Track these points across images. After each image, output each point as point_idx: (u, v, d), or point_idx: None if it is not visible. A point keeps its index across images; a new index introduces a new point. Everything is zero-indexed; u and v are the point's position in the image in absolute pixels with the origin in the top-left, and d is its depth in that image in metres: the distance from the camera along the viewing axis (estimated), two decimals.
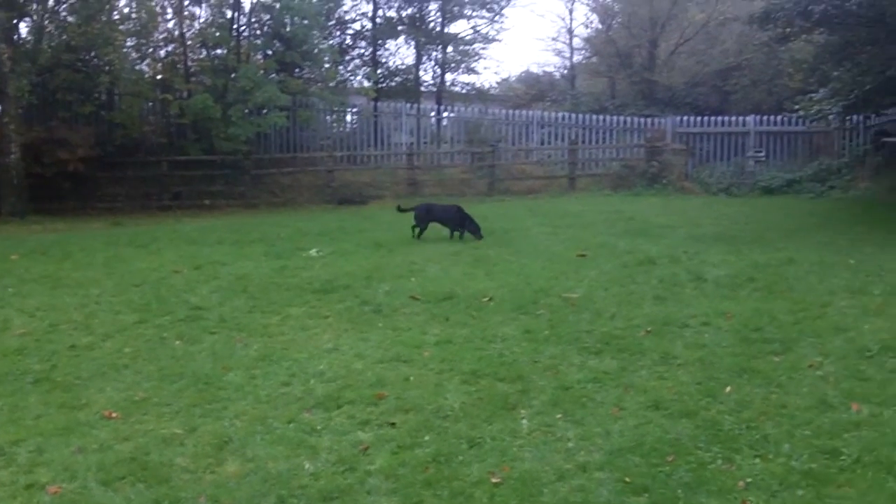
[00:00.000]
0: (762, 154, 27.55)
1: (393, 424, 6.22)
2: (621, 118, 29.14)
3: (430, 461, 5.54)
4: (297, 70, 26.62)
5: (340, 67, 28.99)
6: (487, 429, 6.07)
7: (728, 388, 6.74)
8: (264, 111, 24.50)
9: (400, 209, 16.69)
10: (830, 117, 25.18)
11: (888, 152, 24.42)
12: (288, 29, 24.57)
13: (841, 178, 25.41)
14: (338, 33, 30.35)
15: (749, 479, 5.06)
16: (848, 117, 25.51)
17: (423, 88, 31.19)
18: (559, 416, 6.27)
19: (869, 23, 18.56)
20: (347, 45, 30.55)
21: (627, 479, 5.10)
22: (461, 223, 15.56)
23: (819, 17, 18.13)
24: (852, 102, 21.75)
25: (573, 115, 29.25)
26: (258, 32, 25.98)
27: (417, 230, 15.59)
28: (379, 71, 29.51)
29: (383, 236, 15.71)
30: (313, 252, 13.97)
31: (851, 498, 4.79)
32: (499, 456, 5.59)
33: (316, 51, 25.59)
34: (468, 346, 8.24)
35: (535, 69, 43.93)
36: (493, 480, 5.21)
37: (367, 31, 30.61)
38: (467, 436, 5.95)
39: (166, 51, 26.34)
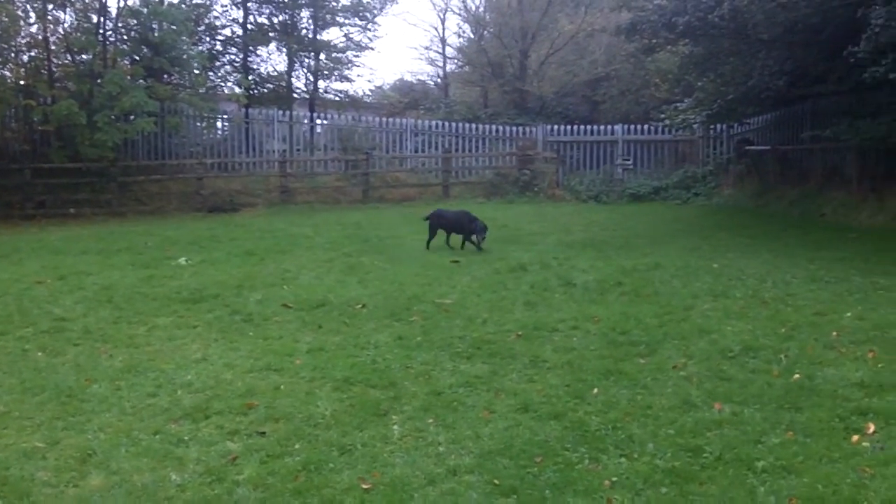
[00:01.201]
0: (630, 162, 28.21)
1: (263, 433, 6.14)
2: (494, 127, 29.43)
3: (300, 469, 5.48)
4: (165, 76, 26.05)
5: (210, 74, 28.48)
6: (359, 435, 6.04)
7: (595, 390, 6.86)
8: (132, 117, 23.88)
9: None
10: (695, 126, 26.03)
11: (750, 160, 25.29)
12: (156, 34, 23.97)
13: (705, 186, 26.24)
14: (207, 39, 29.77)
15: (615, 478, 5.15)
16: (712, 126, 26.36)
17: (295, 95, 30.86)
18: (430, 421, 6.29)
19: (731, 34, 19.18)
20: (217, 51, 29.99)
21: (497, 482, 5.14)
22: (472, 230, 15.18)
23: (683, 29, 18.63)
24: (716, 112, 22.50)
25: (447, 124, 29.41)
26: (125, 38, 25.27)
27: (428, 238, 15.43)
28: (250, 77, 29.06)
29: (255, 245, 15.52)
30: (182, 261, 13.71)
31: (713, 494, 4.92)
32: (370, 462, 5.57)
33: (185, 57, 25.07)
34: (340, 354, 8.20)
35: (409, 77, 44.18)
36: (364, 487, 5.18)
37: (237, 37, 30.14)
38: (338, 443, 5.91)
39: (29, 55, 25.42)
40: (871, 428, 5.84)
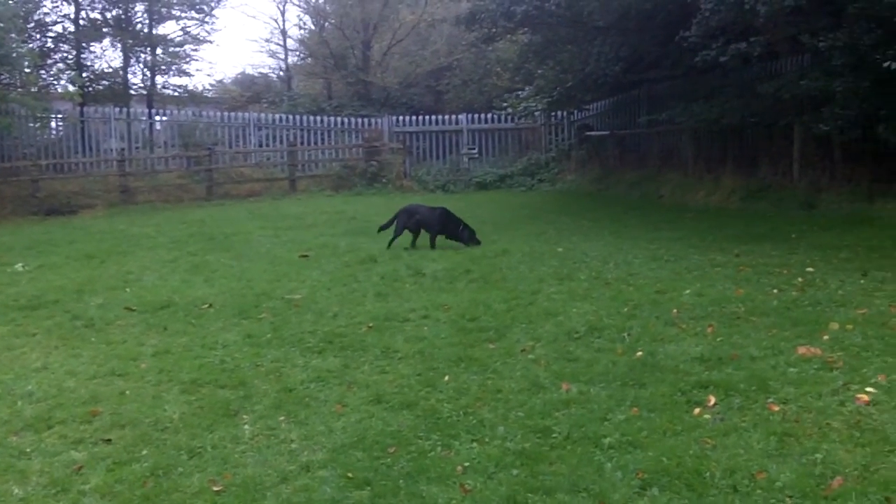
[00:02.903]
0: (475, 151, 28.55)
1: (108, 441, 5.93)
2: (339, 119, 29.32)
3: (149, 475, 5.33)
4: None
5: (42, 72, 27.40)
6: (208, 437, 5.91)
7: (446, 377, 6.90)
8: None
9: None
10: (536, 114, 26.54)
11: (591, 145, 25.94)
12: None
13: (549, 172, 26.80)
14: (38, 36, 28.61)
15: (467, 464, 5.19)
16: (553, 113, 26.91)
17: (132, 92, 30.01)
18: (282, 418, 6.20)
19: (568, 23, 19.62)
20: (49, 48, 28.86)
21: (350, 475, 5.11)
22: (447, 230, 14.07)
23: (521, 18, 18.96)
24: (556, 99, 22.99)
25: (291, 117, 29.11)
26: None
27: (403, 237, 14.29)
28: (84, 75, 28.05)
29: (95, 247, 15.00)
30: (19, 267, 13.13)
31: (563, 473, 5.00)
32: (220, 464, 5.46)
33: (14, 55, 23.99)
34: (187, 355, 8.01)
35: (250, 71, 43.50)
36: (215, 489, 5.07)
37: (69, 33, 29.05)
38: (187, 446, 5.77)
39: None
40: (712, 400, 6.04)
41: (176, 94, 31.23)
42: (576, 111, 27.06)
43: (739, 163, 18.50)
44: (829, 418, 5.58)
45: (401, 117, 29.16)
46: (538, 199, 22.57)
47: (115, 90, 29.31)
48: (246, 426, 6.10)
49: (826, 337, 7.41)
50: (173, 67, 30.96)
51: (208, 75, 48.52)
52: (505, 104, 27.81)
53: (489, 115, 28.82)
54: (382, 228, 14.52)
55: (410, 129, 28.73)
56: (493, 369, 7.09)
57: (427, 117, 29.10)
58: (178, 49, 30.66)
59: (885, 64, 11.63)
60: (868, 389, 6.02)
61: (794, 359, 6.85)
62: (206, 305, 9.99)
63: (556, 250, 12.85)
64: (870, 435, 5.27)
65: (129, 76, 30.07)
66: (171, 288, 11.15)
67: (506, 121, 28.51)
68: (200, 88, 35.13)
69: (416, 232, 14.20)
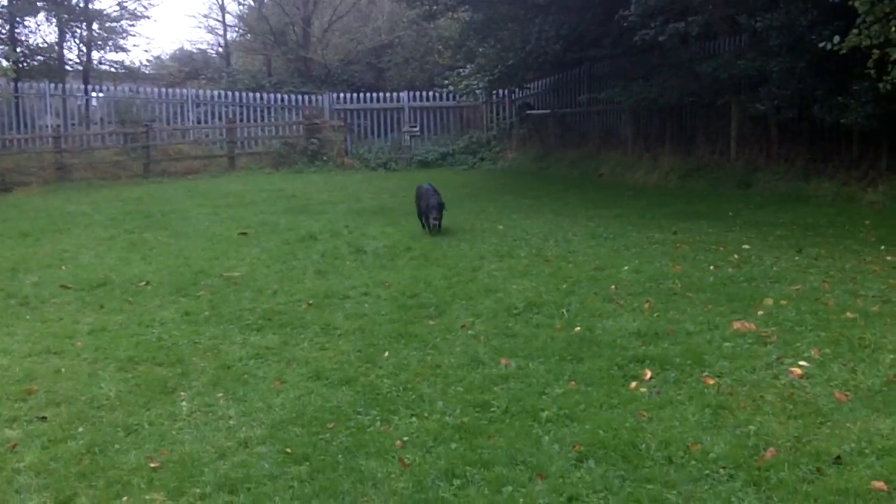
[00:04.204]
0: (417, 129, 28.50)
1: (44, 419, 5.86)
2: (279, 96, 29.03)
3: (85, 452, 5.27)
4: None
5: None
6: (145, 415, 5.86)
7: (386, 354, 6.91)
8: None
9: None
10: (478, 92, 26.48)
11: (532, 124, 26.01)
12: None
13: (490, 150, 26.87)
14: None
15: (406, 438, 5.21)
16: (494, 91, 26.90)
17: (68, 68, 29.40)
18: (220, 395, 6.17)
19: (509, 0, 19.61)
20: None
21: (289, 450, 5.10)
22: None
23: None
24: (497, 77, 22.96)
25: (230, 94, 28.73)
26: None
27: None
28: (18, 50, 27.42)
29: (30, 225, 14.74)
30: None
31: (501, 446, 5.04)
32: (157, 441, 5.42)
33: None
34: (124, 333, 7.93)
35: (188, 47, 42.98)
36: (152, 465, 5.03)
37: (2, 7, 28.39)
38: (124, 423, 5.71)
39: None
40: (648, 374, 6.13)
41: (113, 70, 30.68)
42: (517, 90, 27.08)
43: (678, 142, 18.69)
44: (762, 391, 5.69)
45: (342, 94, 28.98)
46: (479, 178, 22.62)
47: (51, 66, 28.68)
48: (183, 403, 6.06)
49: (760, 312, 7.55)
50: (110, 43, 30.42)
51: (145, 51, 47.84)
52: (446, 82, 27.77)
53: (431, 93, 28.77)
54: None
55: (351, 106, 28.58)
56: (432, 345, 7.12)
57: (368, 95, 28.95)
58: (114, 24, 30.11)
59: (821, 44, 11.79)
60: (801, 363, 6.15)
61: (728, 333, 6.98)
62: (144, 283, 9.89)
63: (497, 228, 12.91)
64: (802, 407, 5.38)
65: (65, 52, 29.48)
66: (108, 266, 11.02)
67: (447, 99, 28.48)
68: (137, 64, 34.53)
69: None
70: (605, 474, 4.62)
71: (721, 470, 4.59)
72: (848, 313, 7.39)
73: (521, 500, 4.39)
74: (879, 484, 4.34)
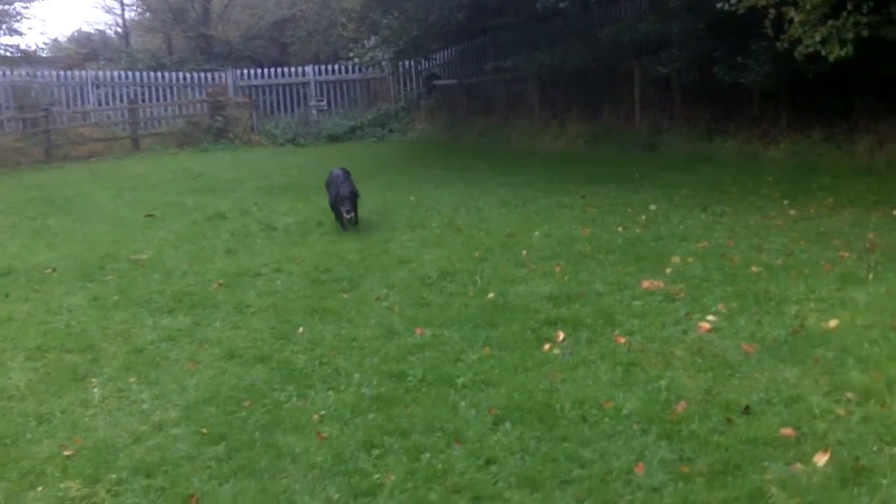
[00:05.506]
0: (324, 103, 28.26)
1: None
2: (181, 74, 28.49)
3: None
4: None
5: None
6: (57, 403, 5.73)
7: (300, 329, 6.87)
8: None
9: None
10: (384, 64, 26.31)
11: (440, 95, 26.01)
12: None
13: (399, 122, 26.79)
14: None
15: (323, 412, 5.19)
16: (400, 63, 26.78)
17: None
18: (133, 379, 6.06)
19: None
20: None
21: (205, 431, 5.05)
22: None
23: None
24: (402, 48, 22.85)
25: (131, 74, 28.09)
26: None
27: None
28: None
29: None
30: None
31: (418, 415, 5.06)
32: (70, 428, 5.31)
33: None
34: (31, 322, 7.73)
35: (86, 28, 41.90)
36: (66, 453, 4.93)
37: None
38: (35, 413, 5.58)
39: None
40: (561, 336, 6.21)
41: (8, 53, 29.75)
42: (423, 60, 27.03)
43: (584, 108, 18.88)
44: (672, 347, 5.81)
45: (245, 71, 28.54)
46: (389, 150, 22.55)
47: None
48: (95, 389, 5.94)
49: (668, 270, 7.70)
50: (3, 26, 29.45)
51: (42, 34, 46.44)
52: (351, 55, 27.44)
53: (336, 67, 28.49)
54: None
55: (256, 82, 28.18)
56: (347, 319, 7.10)
57: (272, 70, 28.58)
58: (7, 7, 29.17)
59: (720, 5, 12.00)
60: (709, 318, 6.31)
61: (638, 292, 7.11)
62: (49, 270, 9.65)
63: (409, 199, 12.91)
64: (711, 361, 5.51)
65: None
66: (11, 254, 10.72)
67: (353, 72, 28.24)
68: (34, 47, 33.61)
69: None
70: (522, 436, 4.67)
71: (634, 425, 4.68)
72: (753, 268, 7.59)
73: (440, 465, 4.42)
74: (788, 431, 4.47)
